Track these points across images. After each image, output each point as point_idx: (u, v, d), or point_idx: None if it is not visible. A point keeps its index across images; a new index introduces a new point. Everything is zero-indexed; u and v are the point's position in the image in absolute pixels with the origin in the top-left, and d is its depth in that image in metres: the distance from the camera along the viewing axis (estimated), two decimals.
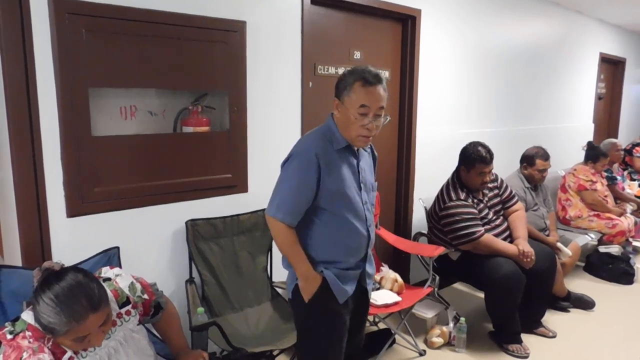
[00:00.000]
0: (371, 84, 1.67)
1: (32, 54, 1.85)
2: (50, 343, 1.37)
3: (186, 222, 2.34)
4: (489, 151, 2.93)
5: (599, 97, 6.21)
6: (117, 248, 2.04)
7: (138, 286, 1.64)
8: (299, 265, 1.78)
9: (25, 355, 1.31)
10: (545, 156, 3.53)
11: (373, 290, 2.81)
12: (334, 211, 1.75)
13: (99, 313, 1.37)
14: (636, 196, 4.82)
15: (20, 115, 1.85)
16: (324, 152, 1.70)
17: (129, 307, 1.57)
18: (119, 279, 1.59)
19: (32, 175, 1.91)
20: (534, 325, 3.07)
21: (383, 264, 3.10)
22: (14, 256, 2.04)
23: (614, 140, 4.96)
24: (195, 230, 2.37)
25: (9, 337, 1.34)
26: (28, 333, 1.35)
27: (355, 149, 1.80)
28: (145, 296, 1.65)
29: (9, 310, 1.66)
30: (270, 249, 2.64)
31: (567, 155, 4.87)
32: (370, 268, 1.94)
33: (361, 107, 1.67)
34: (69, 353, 1.40)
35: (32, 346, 1.33)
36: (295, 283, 1.82)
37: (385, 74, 3.36)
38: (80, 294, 1.34)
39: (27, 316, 1.38)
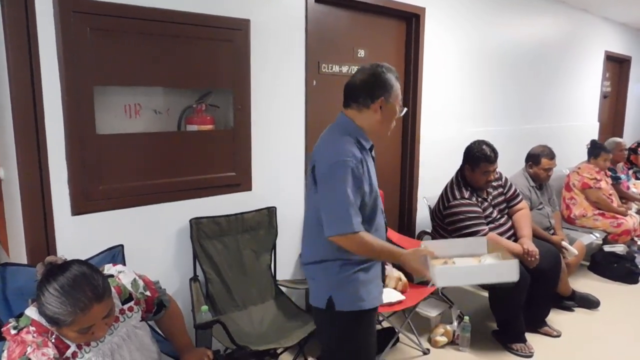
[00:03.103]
0: (398, 78, 1.71)
1: (37, 53, 1.85)
2: (54, 337, 1.38)
3: (190, 221, 2.34)
4: (493, 150, 2.92)
5: (604, 96, 6.18)
6: (122, 246, 2.05)
7: (140, 283, 1.65)
8: (393, 253, 1.69)
9: (29, 349, 1.32)
10: (551, 155, 3.51)
11: None
12: (369, 210, 1.69)
13: (103, 304, 1.38)
14: None
15: (26, 113, 1.86)
16: (359, 155, 1.63)
17: (131, 304, 1.58)
18: (122, 275, 1.60)
19: (37, 173, 1.91)
20: (538, 324, 3.06)
21: (387, 262, 3.10)
22: (20, 254, 2.05)
23: (618, 139, 4.93)
24: (200, 228, 2.37)
25: (13, 332, 1.35)
26: (32, 328, 1.36)
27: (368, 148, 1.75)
28: (148, 293, 1.66)
29: (15, 307, 1.67)
30: (274, 247, 2.64)
31: (572, 154, 4.85)
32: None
33: (400, 101, 1.71)
34: (73, 348, 1.41)
35: (36, 341, 1.34)
36: (329, 294, 1.67)
37: None
38: (84, 285, 1.35)
39: (31, 312, 1.39)
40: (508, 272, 1.84)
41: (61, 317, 1.32)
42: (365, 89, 1.64)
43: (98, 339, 1.44)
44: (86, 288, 1.35)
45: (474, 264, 1.95)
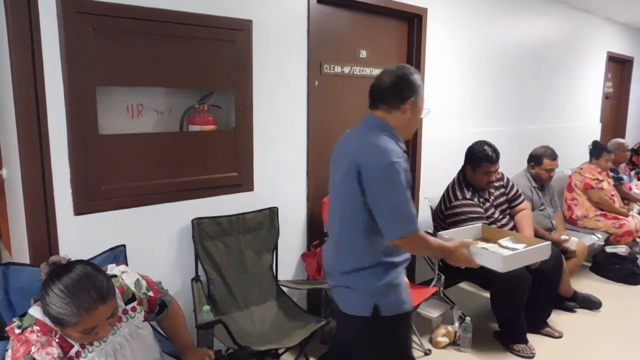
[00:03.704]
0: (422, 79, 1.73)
1: (40, 53, 1.86)
2: (58, 337, 1.38)
3: (192, 221, 2.35)
4: (495, 150, 2.92)
5: (606, 96, 6.17)
6: (124, 246, 2.05)
7: (143, 283, 1.65)
8: (444, 248, 1.72)
9: (33, 349, 1.32)
10: (553, 156, 3.51)
11: None
12: None
13: (107, 305, 1.38)
14: None
15: (29, 113, 1.87)
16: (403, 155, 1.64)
17: (134, 304, 1.58)
18: (125, 275, 1.60)
19: (39, 173, 1.92)
20: (539, 325, 3.06)
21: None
22: (22, 254, 2.06)
23: (620, 140, 4.93)
24: (201, 228, 2.37)
25: (17, 331, 1.35)
26: (36, 327, 1.36)
27: None
28: (151, 293, 1.66)
29: (17, 307, 1.67)
30: (275, 248, 2.64)
31: (573, 155, 4.85)
32: None
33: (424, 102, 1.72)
34: (76, 347, 1.41)
35: (40, 340, 1.34)
36: (374, 302, 1.62)
37: None
38: (89, 285, 1.35)
39: (35, 311, 1.40)
40: (547, 251, 2.23)
41: (65, 318, 1.32)
42: (394, 91, 1.66)
43: (101, 338, 1.45)
44: (91, 289, 1.35)
45: (529, 248, 2.20)
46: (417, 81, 1.68)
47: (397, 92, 1.66)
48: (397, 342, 1.74)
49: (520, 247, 2.27)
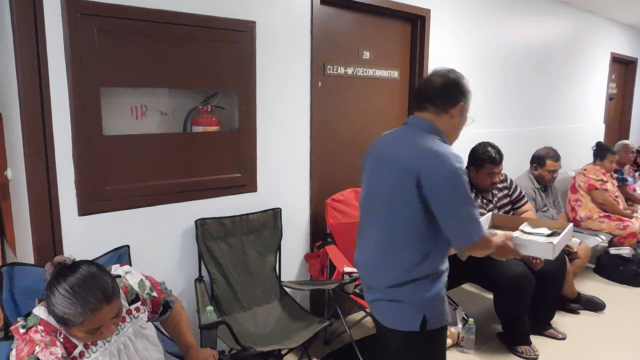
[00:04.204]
0: None
1: (45, 54, 1.87)
2: (62, 337, 1.39)
3: (195, 221, 2.35)
4: (498, 151, 2.91)
5: (609, 98, 6.15)
6: (128, 246, 2.06)
7: (147, 283, 1.65)
8: (497, 246, 1.66)
9: (37, 349, 1.33)
10: (556, 157, 3.50)
11: None
12: None
13: (112, 305, 1.39)
14: None
15: (34, 114, 1.88)
16: None
17: (138, 304, 1.59)
18: (129, 276, 1.61)
19: (44, 174, 1.93)
20: (543, 326, 3.05)
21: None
22: (27, 254, 2.07)
23: (626, 141, 4.91)
24: (205, 229, 2.38)
25: (22, 331, 1.36)
26: (40, 327, 1.37)
27: None
28: (155, 294, 1.67)
29: (22, 306, 1.68)
30: (279, 249, 2.65)
31: (577, 156, 4.84)
32: None
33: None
34: (80, 347, 1.42)
35: (44, 340, 1.35)
36: (422, 314, 1.55)
37: (394, 74, 3.36)
38: (94, 286, 1.36)
39: (39, 311, 1.40)
40: (571, 232, 2.35)
41: (71, 318, 1.33)
42: (445, 93, 1.60)
43: (105, 338, 1.45)
44: (96, 289, 1.36)
45: (565, 230, 2.22)
46: (468, 87, 1.63)
47: (448, 94, 1.60)
48: (439, 356, 1.70)
49: (545, 231, 2.26)
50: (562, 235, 2.15)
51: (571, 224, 2.30)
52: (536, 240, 2.15)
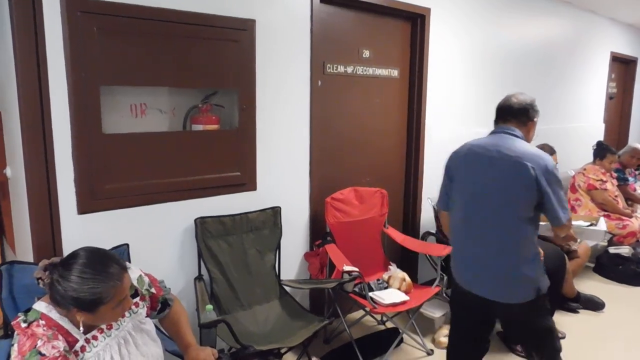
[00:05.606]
0: None
1: (44, 52, 1.86)
2: (63, 331, 1.39)
3: (195, 220, 2.35)
4: None
5: (609, 97, 6.15)
6: (127, 245, 2.06)
7: (146, 279, 1.66)
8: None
9: (39, 342, 1.33)
10: (551, 150, 3.50)
11: (381, 289, 2.82)
12: None
13: (127, 273, 1.45)
14: None
15: (33, 113, 1.87)
16: None
17: (137, 299, 1.60)
18: (128, 271, 1.61)
19: (43, 172, 1.93)
20: None
21: (391, 263, 3.10)
22: (26, 252, 2.07)
23: (635, 145, 4.84)
24: (204, 227, 2.38)
25: (24, 325, 1.36)
26: (42, 322, 1.37)
27: None
28: (153, 290, 1.67)
29: (21, 305, 1.68)
30: (278, 247, 2.65)
31: (577, 156, 4.84)
32: None
33: None
34: (81, 342, 1.43)
35: (46, 334, 1.35)
36: (537, 286, 1.90)
37: (394, 73, 3.36)
38: (105, 259, 1.42)
39: (40, 306, 1.41)
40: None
41: (103, 294, 1.36)
42: (525, 110, 1.99)
43: (127, 310, 1.51)
44: (109, 261, 1.41)
45: (601, 224, 3.11)
46: (537, 107, 2.04)
47: (527, 111, 1.99)
48: (550, 312, 2.15)
49: (583, 223, 2.97)
50: (601, 225, 2.78)
51: (602, 217, 2.81)
52: (591, 228, 2.90)
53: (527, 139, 2.00)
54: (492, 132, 2.03)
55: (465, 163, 2.02)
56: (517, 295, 1.91)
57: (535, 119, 2.03)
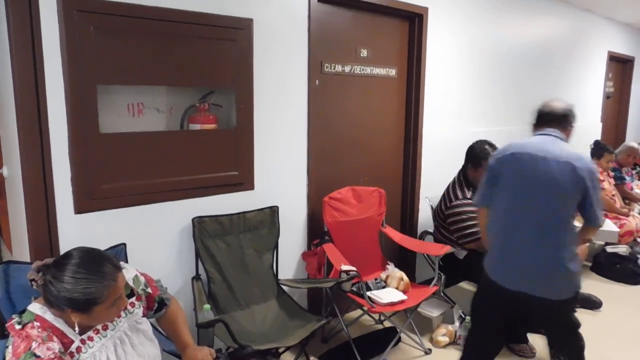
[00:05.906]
0: None
1: (40, 51, 1.86)
2: (58, 333, 1.38)
3: (193, 219, 2.35)
4: (496, 149, 2.91)
5: (607, 96, 6.16)
6: (124, 244, 2.05)
7: (142, 279, 1.66)
8: None
9: (34, 344, 1.32)
10: None
11: (379, 288, 2.82)
12: None
13: (121, 273, 1.44)
14: None
15: (29, 112, 1.87)
16: None
17: (133, 299, 1.59)
18: (123, 271, 1.60)
19: (40, 172, 1.92)
20: None
21: (389, 262, 3.10)
22: (23, 252, 2.06)
23: (631, 144, 4.85)
24: (202, 227, 2.37)
25: (18, 327, 1.35)
26: (37, 323, 1.36)
27: None
28: (149, 290, 1.67)
29: (18, 305, 1.67)
30: (276, 247, 2.64)
31: None
32: None
33: None
34: (77, 343, 1.42)
35: (41, 335, 1.34)
36: (576, 284, 2.03)
37: (392, 72, 3.36)
38: (99, 259, 1.41)
39: (34, 307, 1.40)
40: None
41: (97, 294, 1.34)
42: (565, 116, 2.13)
43: (121, 310, 1.50)
44: (103, 261, 1.40)
45: (610, 225, 3.71)
46: (575, 115, 2.17)
47: (567, 117, 2.13)
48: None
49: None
50: (607, 225, 3.19)
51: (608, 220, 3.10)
52: (604, 229, 3.29)
53: (566, 140, 2.12)
54: (538, 134, 2.14)
55: (514, 162, 2.08)
56: (560, 291, 1.99)
57: (573, 125, 2.17)
